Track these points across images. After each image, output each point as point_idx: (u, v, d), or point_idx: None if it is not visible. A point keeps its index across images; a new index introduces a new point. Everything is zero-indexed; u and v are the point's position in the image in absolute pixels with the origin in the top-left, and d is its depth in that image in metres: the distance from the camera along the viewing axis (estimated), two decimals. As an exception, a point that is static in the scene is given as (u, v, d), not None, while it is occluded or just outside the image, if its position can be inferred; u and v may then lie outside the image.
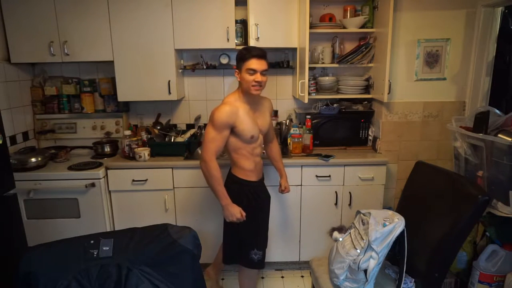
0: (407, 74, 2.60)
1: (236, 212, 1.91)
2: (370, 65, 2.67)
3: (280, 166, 2.30)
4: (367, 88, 2.75)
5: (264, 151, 2.28)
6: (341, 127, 2.79)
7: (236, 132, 1.91)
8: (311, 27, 2.51)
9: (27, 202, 2.42)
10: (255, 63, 1.84)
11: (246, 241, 2.04)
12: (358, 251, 1.63)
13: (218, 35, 2.54)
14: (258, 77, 1.85)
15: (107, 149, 2.73)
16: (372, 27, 2.62)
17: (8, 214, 2.01)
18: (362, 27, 2.61)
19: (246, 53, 1.86)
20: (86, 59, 2.59)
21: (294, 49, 2.68)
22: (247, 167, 2.01)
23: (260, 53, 1.86)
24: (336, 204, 2.57)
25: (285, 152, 2.66)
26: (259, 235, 2.08)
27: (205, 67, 2.83)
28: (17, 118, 2.64)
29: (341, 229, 1.88)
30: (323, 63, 2.73)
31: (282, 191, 2.29)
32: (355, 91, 2.73)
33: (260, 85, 1.89)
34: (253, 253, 2.02)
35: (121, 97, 2.65)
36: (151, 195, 2.53)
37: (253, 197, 2.03)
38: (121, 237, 1.31)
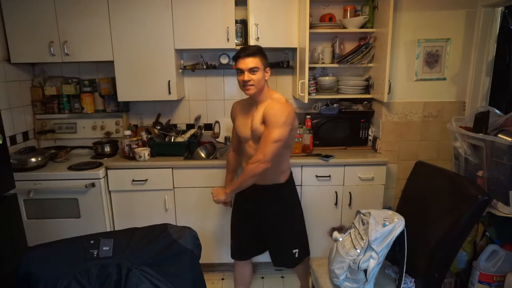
0: (407, 74, 2.60)
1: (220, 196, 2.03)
2: (370, 65, 2.67)
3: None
4: (367, 88, 2.75)
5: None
6: (341, 127, 2.79)
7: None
8: (311, 27, 2.51)
9: (27, 202, 2.42)
10: (240, 63, 1.82)
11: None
12: (358, 251, 1.63)
13: (218, 35, 2.54)
14: (243, 76, 1.82)
15: (107, 149, 2.73)
16: (372, 27, 2.62)
17: (8, 214, 2.01)
18: (362, 27, 2.61)
19: (235, 54, 1.86)
20: (86, 59, 2.59)
21: (294, 49, 2.68)
22: (243, 166, 2.08)
23: (246, 52, 1.82)
24: (336, 204, 2.57)
25: (285, 152, 2.66)
26: (231, 226, 2.22)
27: (205, 67, 2.82)
28: (17, 118, 2.64)
29: (341, 229, 1.88)
30: (323, 63, 2.72)
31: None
32: (355, 91, 2.73)
33: (251, 84, 1.82)
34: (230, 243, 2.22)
35: (121, 97, 2.65)
36: (151, 195, 2.53)
37: (236, 197, 2.14)
38: (121, 237, 1.31)
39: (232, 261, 2.27)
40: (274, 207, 2.01)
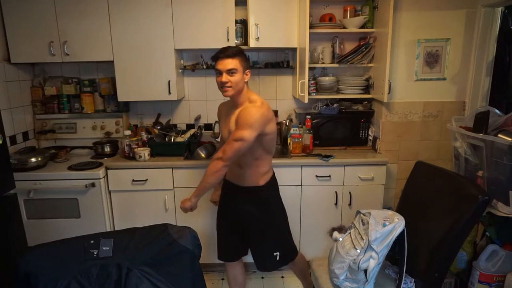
0: (407, 74, 2.61)
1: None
2: (370, 65, 2.67)
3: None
4: (367, 88, 2.75)
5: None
6: (341, 127, 2.79)
7: None
8: (311, 27, 2.51)
9: (27, 202, 2.42)
10: (219, 64, 1.78)
11: None
12: (358, 251, 1.63)
13: (218, 35, 2.54)
14: (221, 78, 1.78)
15: (107, 149, 2.73)
16: (372, 27, 2.62)
17: (8, 214, 2.02)
18: (362, 27, 2.61)
19: (214, 55, 1.81)
20: (86, 59, 2.59)
21: (294, 49, 2.68)
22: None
23: (225, 53, 1.77)
24: (336, 204, 2.57)
25: (285, 152, 2.66)
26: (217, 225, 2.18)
27: (205, 67, 2.83)
28: (17, 118, 2.64)
29: (341, 229, 1.88)
30: (323, 63, 2.73)
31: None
32: (355, 91, 2.73)
33: (228, 85, 1.78)
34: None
35: (121, 97, 2.65)
36: (151, 195, 2.53)
37: (220, 198, 2.14)
38: (121, 237, 1.31)
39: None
40: (252, 208, 1.96)
